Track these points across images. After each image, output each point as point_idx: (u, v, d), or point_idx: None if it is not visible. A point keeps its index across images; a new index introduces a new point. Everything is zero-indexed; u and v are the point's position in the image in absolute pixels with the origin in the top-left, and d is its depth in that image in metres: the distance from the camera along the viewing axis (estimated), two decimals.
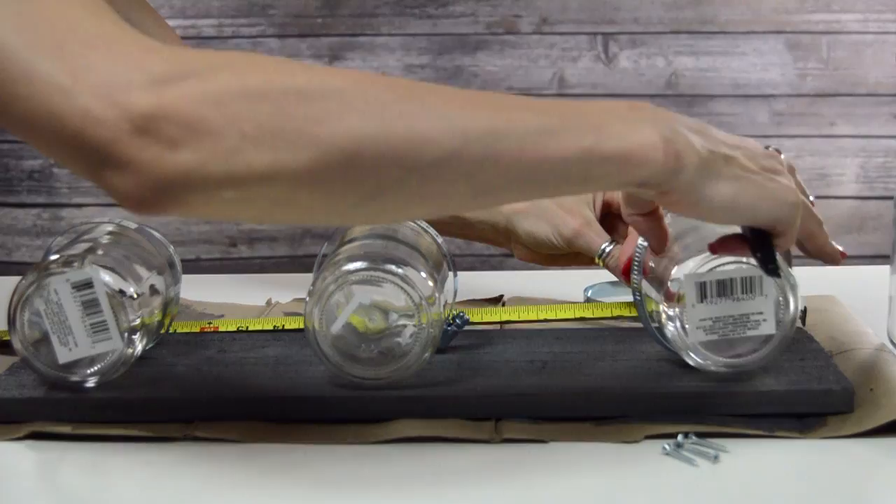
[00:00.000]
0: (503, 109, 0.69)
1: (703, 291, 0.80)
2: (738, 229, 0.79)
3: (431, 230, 0.93)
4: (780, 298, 0.81)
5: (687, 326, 0.81)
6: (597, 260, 1.01)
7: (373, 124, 0.65)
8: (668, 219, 0.84)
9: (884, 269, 1.02)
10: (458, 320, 0.90)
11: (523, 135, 0.68)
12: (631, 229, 0.91)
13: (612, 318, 1.00)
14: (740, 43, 1.59)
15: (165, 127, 0.63)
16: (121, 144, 0.63)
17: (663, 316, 0.82)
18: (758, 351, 0.82)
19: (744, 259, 0.80)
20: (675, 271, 0.81)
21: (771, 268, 0.77)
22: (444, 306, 0.85)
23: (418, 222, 0.93)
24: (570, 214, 1.02)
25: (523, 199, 0.79)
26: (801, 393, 0.81)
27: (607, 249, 1.00)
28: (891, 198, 1.56)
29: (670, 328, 0.82)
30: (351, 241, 0.87)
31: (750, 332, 0.81)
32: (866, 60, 1.57)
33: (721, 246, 0.79)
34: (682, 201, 0.73)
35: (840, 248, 0.85)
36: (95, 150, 0.63)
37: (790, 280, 0.81)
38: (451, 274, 0.93)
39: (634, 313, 0.99)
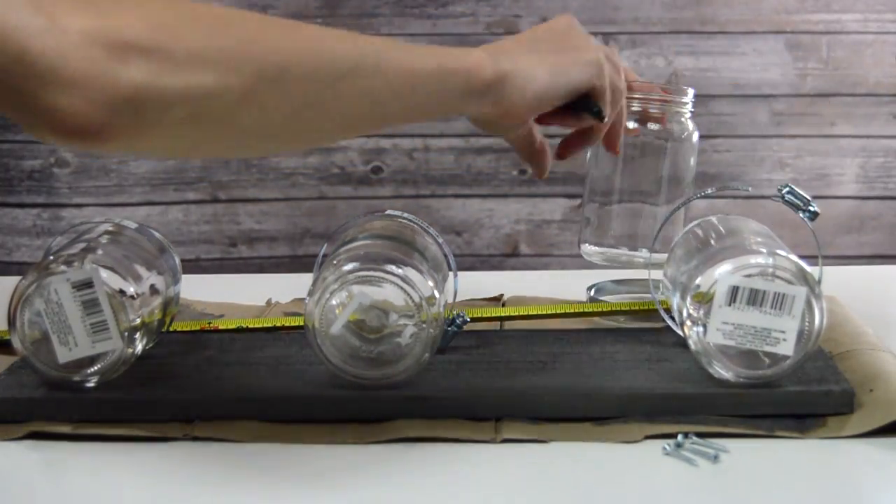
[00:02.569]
0: (374, 40, 0.80)
1: (734, 295, 0.80)
2: None
3: (432, 230, 0.93)
4: (806, 324, 0.80)
5: (707, 325, 0.81)
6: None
7: (292, 45, 0.73)
8: (700, 223, 0.90)
9: (884, 269, 1.02)
10: (458, 320, 0.90)
11: (397, 53, 0.79)
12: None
13: (614, 313, 1.00)
14: (740, 43, 1.59)
15: (114, 41, 0.63)
16: (69, 59, 0.62)
17: (686, 311, 0.82)
18: (765, 369, 0.81)
19: (777, 273, 0.80)
20: (710, 270, 0.81)
21: (596, 111, 0.88)
22: (444, 306, 0.85)
23: (418, 222, 0.93)
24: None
25: (404, 115, 0.86)
26: (801, 394, 0.81)
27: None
28: (891, 198, 1.56)
29: (690, 327, 0.82)
30: (351, 241, 0.88)
31: (767, 348, 0.81)
32: (866, 60, 1.57)
33: (548, 118, 0.90)
34: (511, 105, 0.84)
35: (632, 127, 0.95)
36: (40, 66, 0.61)
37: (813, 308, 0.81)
38: (451, 274, 0.93)
39: (636, 308, 0.99)
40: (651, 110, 0.99)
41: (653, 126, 1.00)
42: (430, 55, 0.81)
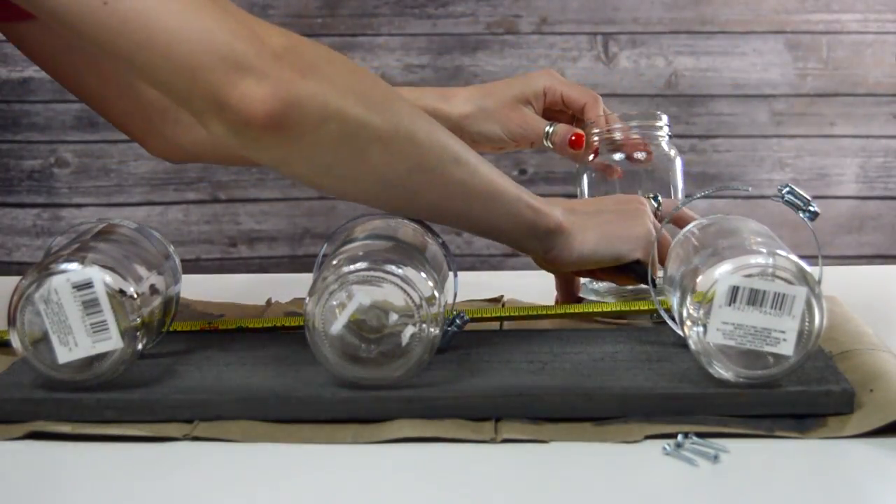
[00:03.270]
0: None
1: (734, 295, 0.80)
2: None
3: (432, 230, 0.93)
4: (806, 324, 0.80)
5: (707, 325, 0.81)
6: (545, 142, 1.10)
7: (419, 118, 0.90)
8: (706, 220, 0.91)
9: (884, 269, 1.02)
10: (458, 320, 0.90)
11: (488, 167, 0.93)
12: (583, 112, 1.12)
13: (614, 314, 1.00)
14: (740, 43, 1.59)
15: (298, 61, 0.82)
16: (264, 60, 0.80)
17: (686, 311, 0.82)
18: (765, 369, 0.81)
19: (777, 273, 0.80)
20: (710, 270, 0.81)
21: (640, 276, 0.97)
22: (444, 306, 0.85)
23: (419, 222, 0.93)
24: (514, 111, 1.13)
25: (476, 222, 0.96)
26: (801, 394, 0.81)
27: (550, 130, 1.11)
28: (891, 198, 1.56)
29: (690, 327, 0.82)
30: (351, 241, 0.88)
31: (767, 349, 0.81)
32: (866, 60, 1.57)
33: (603, 274, 1.01)
34: (561, 257, 0.97)
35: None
36: (240, 60, 0.79)
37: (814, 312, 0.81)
38: (451, 274, 0.93)
39: (636, 308, 0.99)
40: (631, 141, 1.04)
41: (638, 155, 1.06)
42: (514, 184, 0.94)
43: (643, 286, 0.97)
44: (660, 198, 1.04)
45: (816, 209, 0.89)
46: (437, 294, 0.83)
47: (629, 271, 0.98)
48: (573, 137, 1.09)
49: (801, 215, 0.89)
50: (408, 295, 0.81)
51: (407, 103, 0.90)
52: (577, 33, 1.64)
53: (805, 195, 0.90)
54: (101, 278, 0.82)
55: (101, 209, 1.69)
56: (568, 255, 0.97)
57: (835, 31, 1.56)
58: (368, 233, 0.89)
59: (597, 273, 1.00)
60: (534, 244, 0.96)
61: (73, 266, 0.83)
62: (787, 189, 0.90)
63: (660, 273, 0.96)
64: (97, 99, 1.10)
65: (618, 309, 1.00)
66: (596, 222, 0.97)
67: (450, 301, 0.93)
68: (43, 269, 0.83)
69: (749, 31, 1.57)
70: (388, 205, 0.92)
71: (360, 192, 0.90)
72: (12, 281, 0.85)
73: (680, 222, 0.98)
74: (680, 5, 1.58)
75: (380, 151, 0.86)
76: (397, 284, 0.81)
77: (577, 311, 1.00)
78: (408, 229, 0.91)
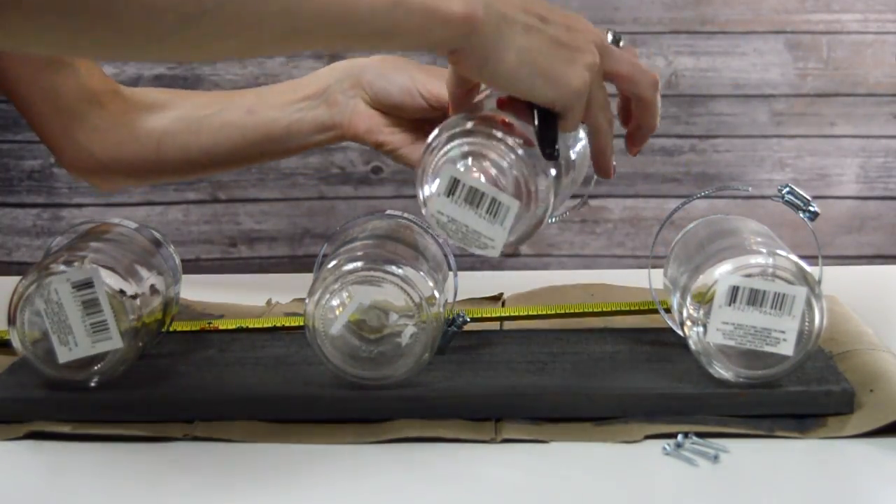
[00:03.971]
0: None
1: (734, 295, 0.80)
2: None
3: (431, 230, 0.93)
4: (806, 324, 0.80)
5: (707, 325, 0.81)
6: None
7: None
8: (700, 223, 0.89)
9: (884, 269, 1.02)
10: (458, 320, 0.90)
11: None
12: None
13: (614, 313, 1.00)
14: (740, 43, 1.59)
15: None
16: None
17: (686, 311, 0.82)
18: (764, 370, 0.81)
19: (777, 273, 0.80)
20: (710, 270, 0.81)
21: (547, 151, 0.76)
22: (444, 306, 0.85)
23: (418, 222, 0.93)
24: (430, 72, 0.96)
25: (330, 47, 0.78)
26: (801, 394, 0.81)
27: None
28: (891, 198, 1.56)
29: (690, 328, 0.82)
30: (351, 241, 0.88)
31: (767, 348, 0.81)
32: (866, 60, 1.57)
33: (508, 103, 0.79)
34: (469, 63, 0.74)
35: (613, 164, 0.83)
36: None
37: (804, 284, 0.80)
38: (451, 274, 0.93)
39: (635, 308, 0.98)
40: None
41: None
42: None
43: (532, 145, 0.77)
44: (622, 39, 0.85)
45: (816, 209, 0.89)
46: (437, 294, 0.83)
47: (536, 116, 0.77)
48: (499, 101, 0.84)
49: (801, 215, 0.89)
50: (408, 295, 0.81)
51: None
52: None
53: (805, 195, 0.90)
54: (101, 278, 0.82)
55: (101, 209, 1.68)
56: (475, 64, 0.74)
57: (835, 31, 1.56)
58: (368, 233, 0.89)
59: (501, 98, 0.79)
60: (432, 38, 0.73)
61: (73, 266, 0.83)
62: (787, 189, 0.90)
63: (566, 142, 0.79)
64: (20, 99, 1.06)
65: (619, 309, 1.00)
66: (525, 42, 0.74)
67: (450, 301, 0.93)
68: (43, 269, 0.83)
69: (749, 31, 1.57)
70: (186, 57, 0.77)
71: (138, 54, 0.74)
72: (12, 281, 0.85)
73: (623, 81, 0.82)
74: (680, 5, 1.58)
75: (128, 5, 0.64)
76: (397, 284, 0.81)
77: (575, 311, 1.00)
78: (407, 229, 0.91)
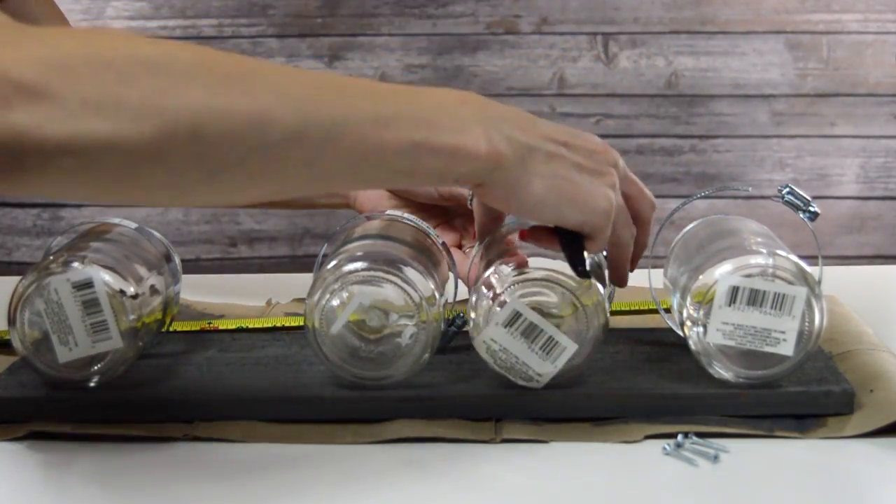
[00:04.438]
0: (344, 95, 0.71)
1: (734, 295, 0.80)
2: None
3: (432, 231, 0.93)
4: (806, 324, 0.80)
5: (707, 325, 0.81)
6: (468, 203, 1.00)
7: (218, 100, 0.65)
8: (700, 223, 0.89)
9: (884, 269, 1.02)
10: (458, 320, 0.90)
11: (362, 122, 0.70)
12: None
13: (613, 313, 1.00)
14: (740, 43, 1.59)
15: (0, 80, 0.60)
16: None
17: (686, 311, 0.82)
18: (764, 370, 0.81)
19: (777, 274, 0.80)
20: (710, 270, 0.81)
21: (580, 270, 0.79)
22: (444, 306, 0.85)
23: (418, 222, 0.93)
24: None
25: (355, 187, 0.80)
26: (801, 394, 0.81)
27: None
28: (891, 198, 1.56)
29: (690, 328, 0.82)
30: (352, 241, 0.87)
31: (767, 349, 0.81)
32: (866, 60, 1.57)
33: (532, 234, 0.82)
34: (495, 195, 0.76)
35: (629, 275, 0.86)
36: None
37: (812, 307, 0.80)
38: (451, 274, 0.93)
39: (635, 308, 0.99)
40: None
41: None
42: (411, 123, 0.72)
43: (563, 270, 0.80)
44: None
45: (816, 209, 0.89)
46: (437, 294, 0.83)
47: (562, 240, 0.80)
48: None
49: (801, 216, 0.89)
50: (408, 295, 0.81)
51: (191, 74, 0.65)
52: (577, 33, 1.64)
53: (805, 195, 0.89)
54: (101, 278, 0.82)
55: (102, 209, 1.69)
56: (501, 196, 0.76)
57: (835, 31, 1.56)
58: (368, 233, 0.89)
59: (525, 233, 0.83)
60: (457, 174, 0.74)
61: (73, 266, 0.83)
62: (787, 189, 0.90)
63: (592, 258, 0.83)
64: None
65: (619, 308, 1.00)
66: (549, 170, 0.76)
67: (450, 301, 0.93)
68: (43, 269, 0.83)
69: (749, 31, 1.57)
70: (203, 204, 0.78)
71: (159, 202, 0.73)
72: (12, 281, 0.85)
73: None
74: (680, 5, 1.58)
75: (151, 167, 0.65)
76: (397, 284, 0.81)
77: None
78: (407, 229, 0.91)
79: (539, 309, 0.80)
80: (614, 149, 0.81)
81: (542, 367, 0.81)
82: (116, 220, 0.94)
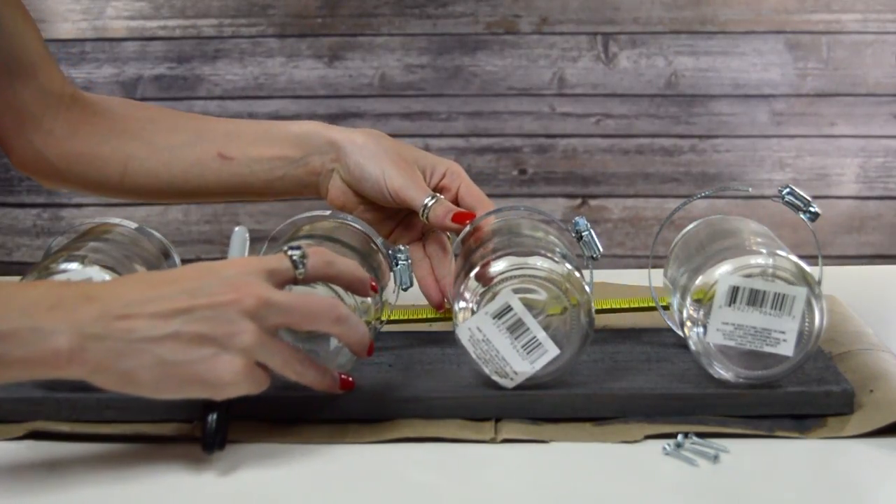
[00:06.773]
0: None
1: (734, 296, 0.80)
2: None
3: (379, 239, 0.91)
4: (806, 324, 0.81)
5: (707, 325, 0.81)
6: (420, 216, 0.97)
7: None
8: (700, 223, 0.89)
9: (884, 269, 1.02)
10: (398, 254, 0.90)
11: None
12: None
13: (614, 312, 1.00)
14: (740, 43, 1.59)
15: None
16: None
17: (686, 312, 0.82)
18: (764, 370, 0.81)
19: (777, 274, 0.80)
20: (710, 271, 0.81)
21: (207, 444, 0.76)
22: (382, 309, 0.84)
23: (365, 227, 0.92)
24: (401, 169, 0.97)
25: None
26: (801, 394, 0.81)
27: (429, 203, 0.95)
28: (891, 198, 1.56)
29: (690, 328, 0.82)
30: (298, 238, 0.87)
31: (767, 349, 0.81)
32: (866, 60, 1.57)
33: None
34: (113, 388, 0.74)
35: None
36: None
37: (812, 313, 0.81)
38: (391, 279, 0.91)
39: (635, 305, 0.98)
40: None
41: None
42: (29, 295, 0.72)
43: (563, 270, 0.81)
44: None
45: (817, 210, 0.89)
46: (371, 301, 0.83)
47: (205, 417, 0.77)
48: (454, 216, 0.93)
49: (802, 216, 0.89)
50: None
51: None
52: (577, 33, 1.65)
53: (805, 196, 0.89)
54: (101, 278, 0.82)
55: (101, 209, 1.69)
56: (114, 387, 0.74)
57: (835, 31, 1.56)
58: (315, 233, 0.89)
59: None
60: (43, 375, 0.74)
61: (73, 266, 0.83)
62: (788, 190, 0.90)
63: (567, 252, 0.85)
64: None
65: (619, 308, 1.00)
66: (158, 355, 0.73)
67: (391, 304, 0.91)
68: (43, 269, 0.83)
69: (749, 31, 1.57)
70: None
71: None
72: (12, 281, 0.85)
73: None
74: (680, 5, 1.58)
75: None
76: (332, 289, 0.81)
77: None
78: (354, 233, 0.91)
79: (529, 305, 0.80)
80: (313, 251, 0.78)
81: (520, 366, 0.81)
82: (116, 220, 0.94)
